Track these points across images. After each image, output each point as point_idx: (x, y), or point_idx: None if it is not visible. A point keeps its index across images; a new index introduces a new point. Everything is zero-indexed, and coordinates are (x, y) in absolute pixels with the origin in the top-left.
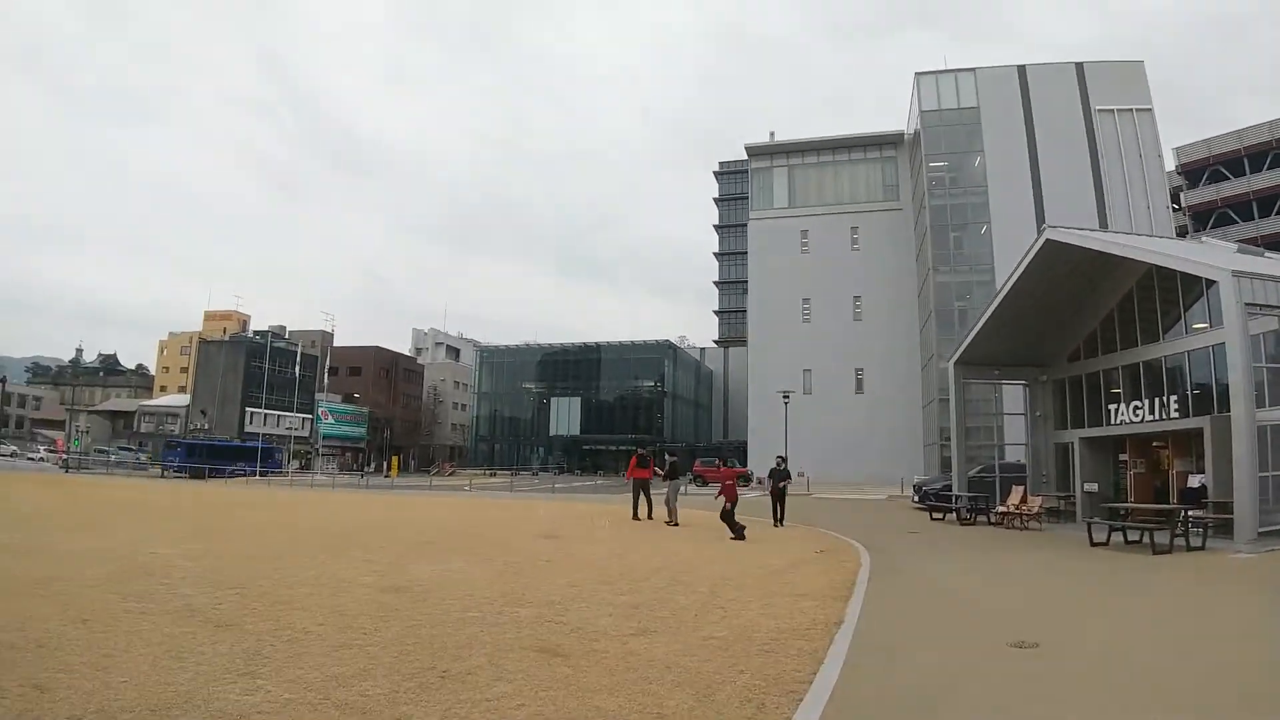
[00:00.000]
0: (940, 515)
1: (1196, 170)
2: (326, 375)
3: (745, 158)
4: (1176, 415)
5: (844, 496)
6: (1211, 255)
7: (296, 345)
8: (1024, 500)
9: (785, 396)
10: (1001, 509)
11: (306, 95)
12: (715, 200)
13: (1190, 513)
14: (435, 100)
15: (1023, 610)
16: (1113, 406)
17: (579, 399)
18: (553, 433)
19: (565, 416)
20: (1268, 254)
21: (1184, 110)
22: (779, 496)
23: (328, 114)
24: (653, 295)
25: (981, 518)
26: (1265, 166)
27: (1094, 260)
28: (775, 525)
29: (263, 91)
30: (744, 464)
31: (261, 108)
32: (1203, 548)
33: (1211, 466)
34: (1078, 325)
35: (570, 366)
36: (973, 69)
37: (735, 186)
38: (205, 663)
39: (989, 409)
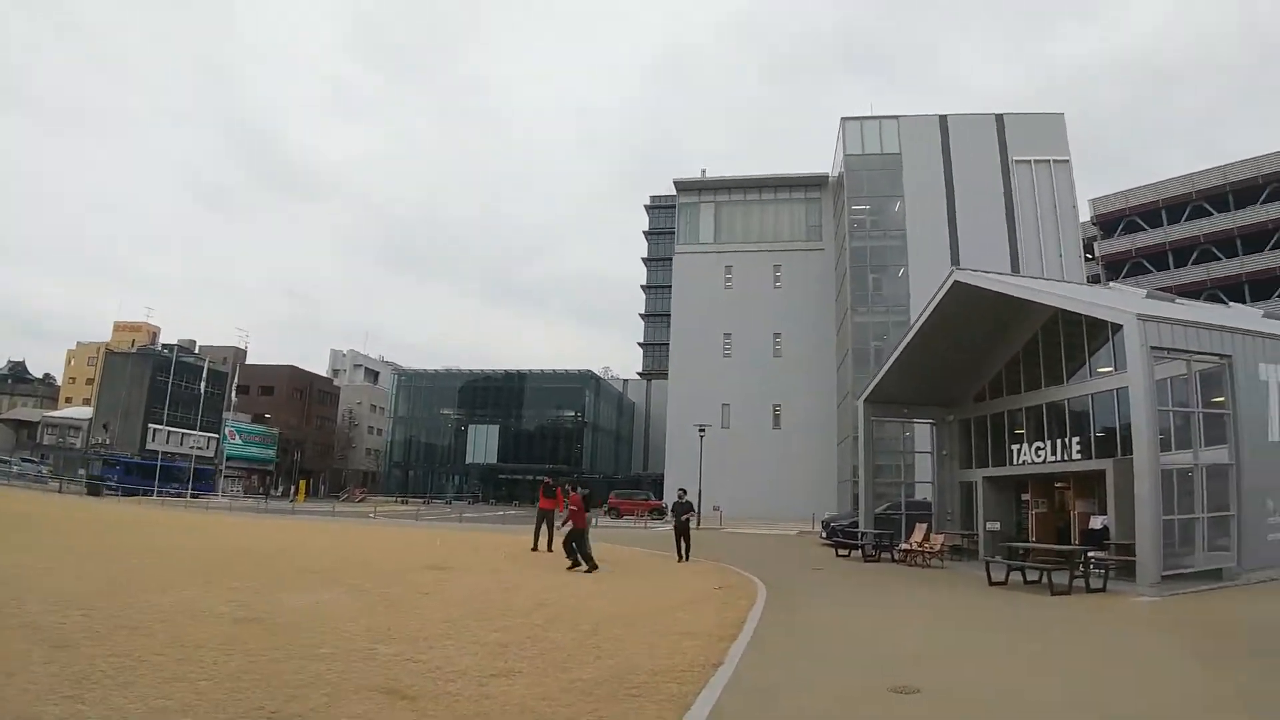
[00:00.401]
0: (846, 552)
1: (1112, 221)
2: (235, 393)
3: (675, 193)
4: (1079, 456)
5: (756, 531)
6: (1119, 300)
7: (204, 360)
8: (926, 538)
9: (701, 430)
10: (905, 546)
11: (241, 110)
12: (645, 233)
13: (1091, 554)
14: (372, 121)
15: (911, 652)
16: (1015, 446)
17: (497, 427)
18: (469, 460)
19: (483, 444)
20: (1179, 300)
21: (1109, 163)
22: (682, 531)
23: (262, 130)
24: (581, 326)
25: (886, 555)
26: (1183, 218)
27: (1001, 303)
28: (679, 560)
29: (197, 105)
30: (659, 497)
31: (194, 121)
32: (1103, 589)
33: (1114, 508)
34: (985, 367)
35: (491, 393)
36: (896, 116)
37: (665, 220)
38: (33, 682)
39: (899, 447)
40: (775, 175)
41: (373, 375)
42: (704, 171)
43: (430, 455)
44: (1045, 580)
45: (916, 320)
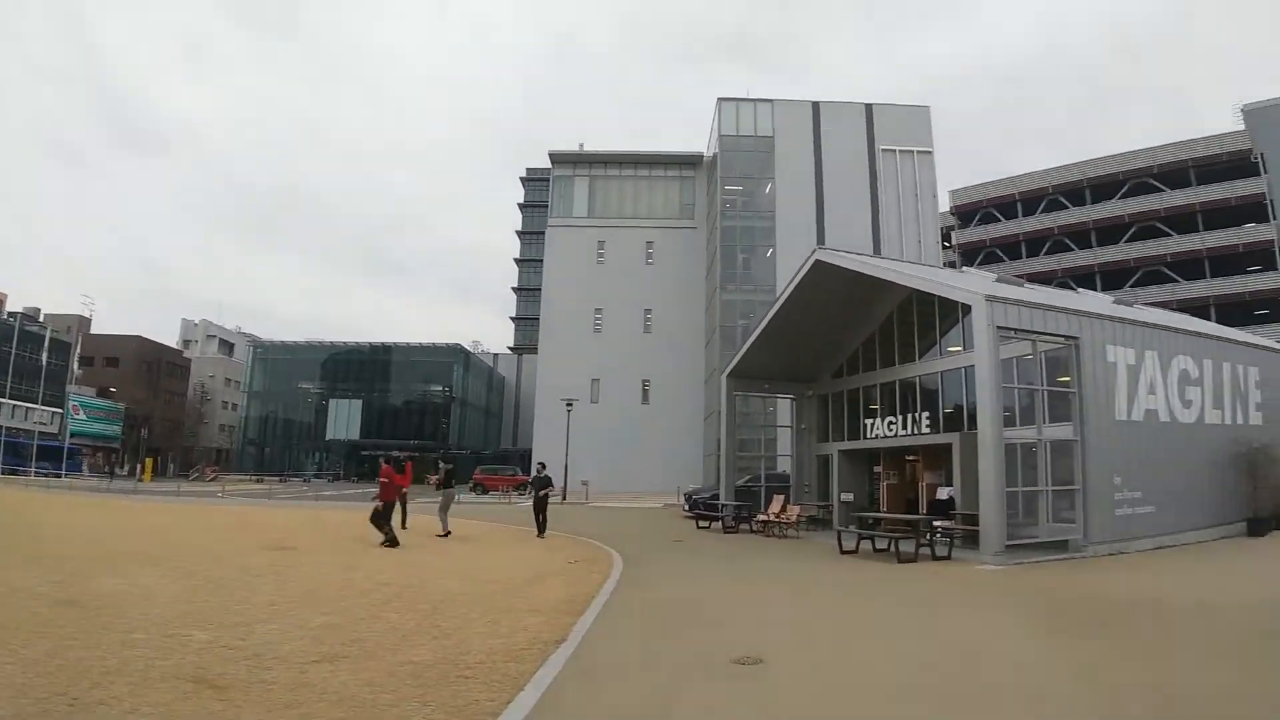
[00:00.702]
0: (706, 524)
1: (970, 212)
2: (78, 365)
3: (550, 165)
4: (928, 431)
5: (622, 505)
6: (970, 282)
7: (47, 329)
8: (783, 509)
9: (569, 404)
10: (763, 517)
11: (99, 65)
12: (520, 206)
13: (938, 523)
14: (235, 84)
15: (759, 622)
16: (870, 421)
17: (361, 402)
18: (330, 437)
19: (344, 420)
20: (1029, 285)
21: (970, 159)
22: (540, 506)
23: (121, 87)
24: (454, 299)
25: (745, 526)
26: (1038, 211)
27: (860, 283)
28: (538, 536)
29: (50, 56)
30: (527, 472)
31: (50, 74)
32: (949, 557)
33: (960, 480)
34: (844, 344)
35: (355, 367)
36: (771, 100)
37: (540, 195)
38: None
39: (761, 421)
40: (651, 152)
41: (227, 347)
42: (582, 146)
43: (289, 431)
44: (893, 549)
45: (779, 297)
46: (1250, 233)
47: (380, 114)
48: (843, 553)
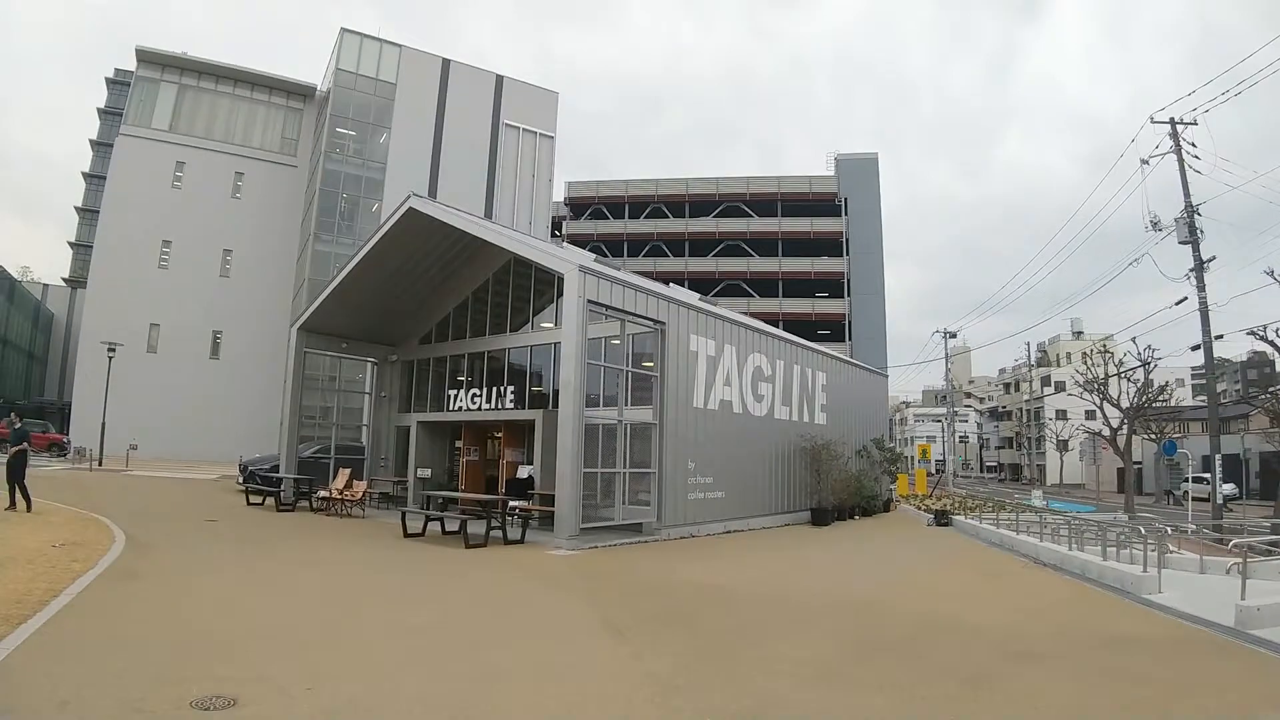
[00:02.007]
0: (260, 499)
1: (582, 205)
2: None
3: (136, 65)
4: (512, 406)
5: (168, 475)
6: (568, 255)
7: None
8: (349, 484)
9: (110, 349)
10: (322, 494)
11: None
12: (100, 111)
13: (512, 504)
14: None
15: (257, 632)
16: (454, 392)
17: None
18: None
19: None
20: (623, 271)
21: (584, 164)
22: (16, 471)
23: None
24: (9, 215)
25: (304, 503)
26: (644, 215)
27: (457, 243)
28: (8, 508)
29: None
30: (66, 431)
31: None
32: (521, 540)
33: (540, 458)
34: (434, 309)
35: None
36: (399, 44)
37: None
38: None
39: (341, 385)
40: (257, 71)
41: None
42: (186, 54)
43: None
44: (463, 531)
45: (365, 244)
46: (823, 264)
47: None
48: (407, 535)
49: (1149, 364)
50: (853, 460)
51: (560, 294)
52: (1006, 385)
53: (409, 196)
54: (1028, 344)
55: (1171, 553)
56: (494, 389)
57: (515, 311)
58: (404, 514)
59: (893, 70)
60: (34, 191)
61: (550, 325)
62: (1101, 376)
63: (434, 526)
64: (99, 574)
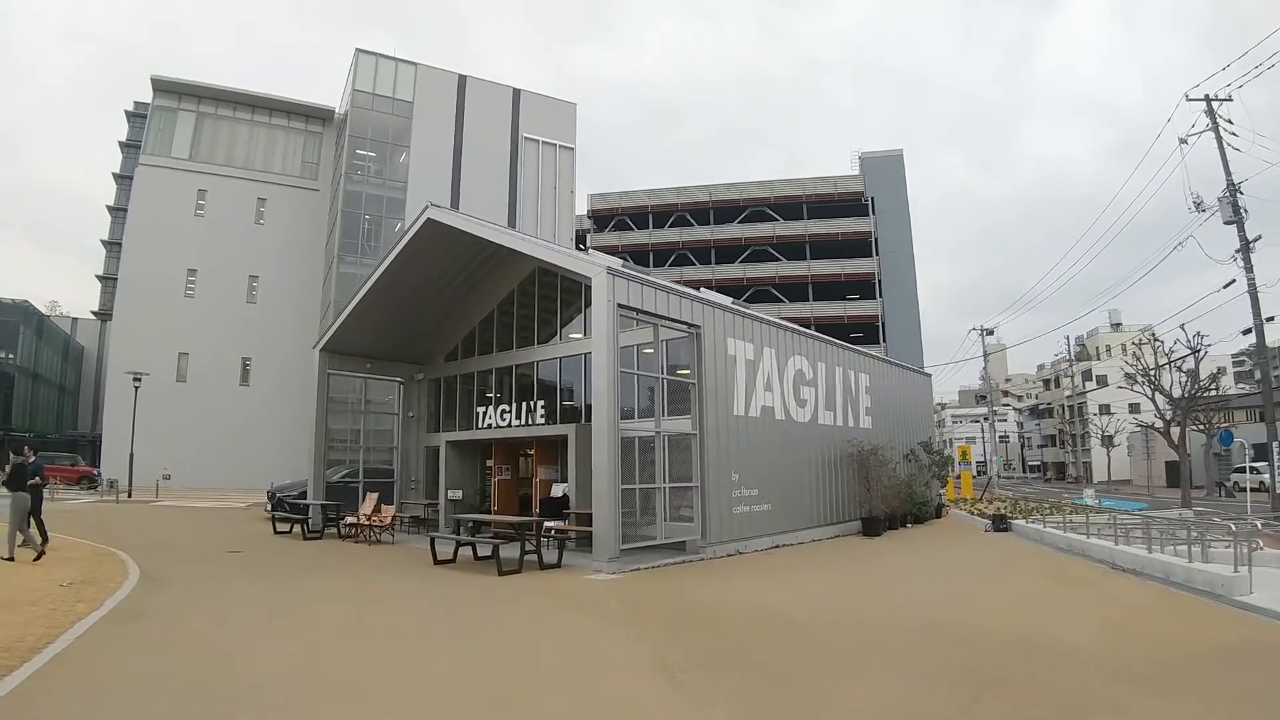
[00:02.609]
0: (288, 527)
1: (605, 217)
2: None
3: (153, 95)
4: (543, 421)
5: (197, 505)
6: (595, 259)
7: None
8: (377, 509)
9: (136, 379)
10: (350, 520)
11: None
12: (122, 145)
13: (547, 524)
14: None
15: (269, 685)
16: (482, 409)
17: None
18: None
19: None
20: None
21: (608, 178)
22: (31, 508)
23: None
24: (32, 248)
25: (333, 529)
26: (667, 225)
27: (478, 254)
28: (18, 546)
29: None
30: (98, 464)
31: None
32: (558, 564)
33: (575, 476)
34: (459, 324)
35: None
36: (414, 62)
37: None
38: None
39: (369, 407)
40: (275, 96)
41: None
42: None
43: None
44: (496, 556)
45: (384, 258)
46: (852, 265)
47: None
48: (437, 563)
49: (1199, 351)
50: (901, 465)
51: (588, 302)
52: (1046, 381)
53: (427, 206)
54: (1067, 338)
55: (1257, 549)
56: (524, 404)
57: (543, 323)
58: (433, 539)
59: (911, 66)
60: (65, 227)
61: (579, 335)
62: (1152, 366)
63: (465, 551)
64: (103, 615)
